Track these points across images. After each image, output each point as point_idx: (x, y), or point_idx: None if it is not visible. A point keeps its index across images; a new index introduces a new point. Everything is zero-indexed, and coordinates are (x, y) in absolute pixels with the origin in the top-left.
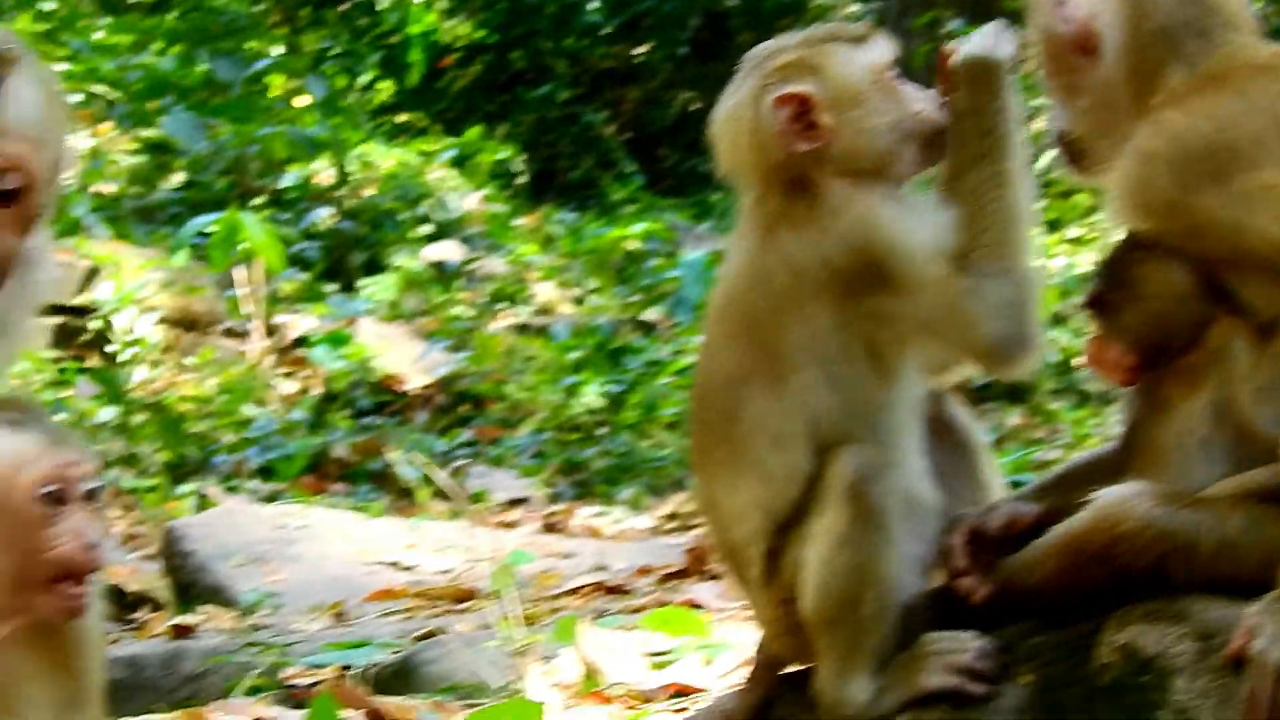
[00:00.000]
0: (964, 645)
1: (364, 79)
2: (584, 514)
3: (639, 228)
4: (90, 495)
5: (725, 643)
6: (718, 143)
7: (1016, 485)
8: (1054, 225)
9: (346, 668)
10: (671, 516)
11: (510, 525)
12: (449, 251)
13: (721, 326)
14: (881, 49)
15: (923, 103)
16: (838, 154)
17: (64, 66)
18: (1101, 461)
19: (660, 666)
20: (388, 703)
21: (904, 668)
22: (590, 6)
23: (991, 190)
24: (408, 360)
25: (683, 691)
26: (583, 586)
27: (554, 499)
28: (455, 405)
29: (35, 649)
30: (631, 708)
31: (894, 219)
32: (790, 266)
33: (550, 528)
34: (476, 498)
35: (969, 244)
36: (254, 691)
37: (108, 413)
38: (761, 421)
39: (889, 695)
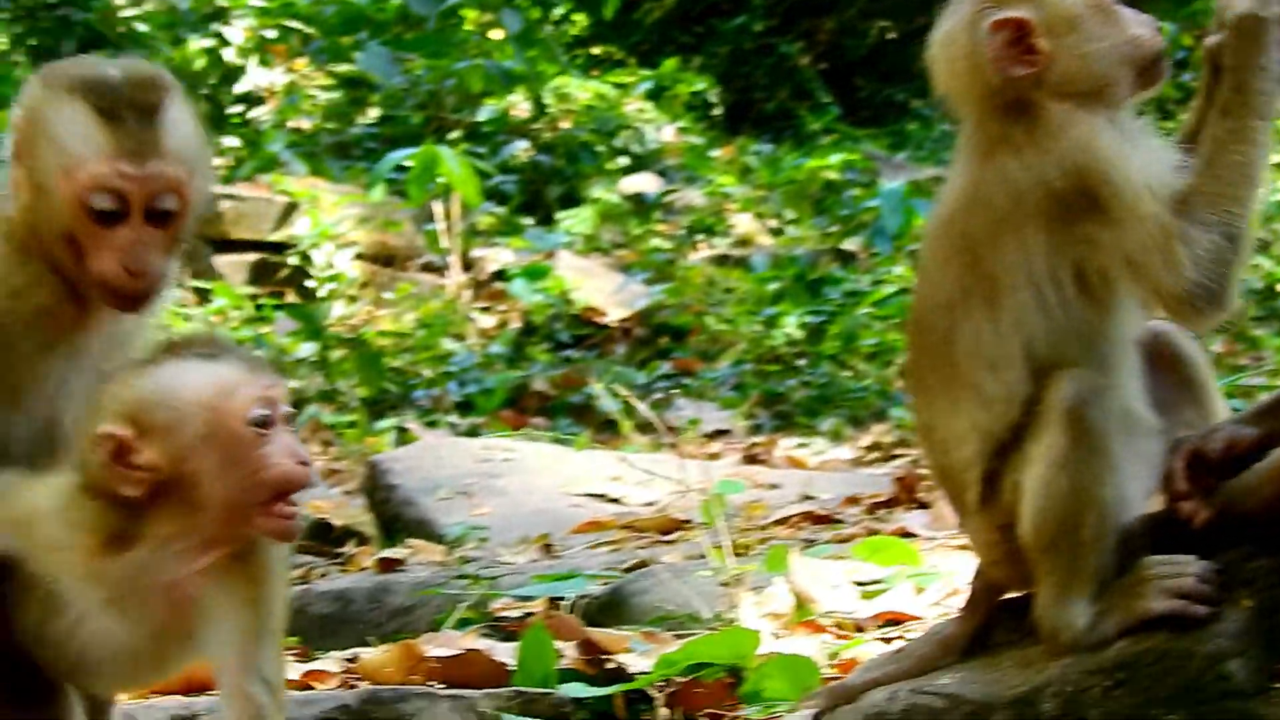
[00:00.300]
0: (1185, 568)
1: (558, 12)
2: (786, 445)
3: (836, 158)
4: (289, 418)
5: (936, 571)
6: (933, 67)
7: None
8: None
9: (556, 599)
10: (873, 447)
11: (712, 457)
12: (646, 183)
13: (938, 249)
14: None
15: (1140, 27)
16: (1055, 78)
17: (259, 2)
18: None
19: (871, 596)
20: (600, 633)
21: (1124, 592)
22: None
23: (1232, 143)
24: (606, 293)
25: (894, 620)
26: (790, 516)
27: (754, 430)
28: (654, 338)
29: (225, 580)
30: (843, 636)
31: (1114, 145)
32: (1008, 188)
33: (752, 459)
34: (686, 429)
35: (1194, 189)
36: (464, 624)
37: (307, 348)
38: (978, 344)
39: (1109, 620)
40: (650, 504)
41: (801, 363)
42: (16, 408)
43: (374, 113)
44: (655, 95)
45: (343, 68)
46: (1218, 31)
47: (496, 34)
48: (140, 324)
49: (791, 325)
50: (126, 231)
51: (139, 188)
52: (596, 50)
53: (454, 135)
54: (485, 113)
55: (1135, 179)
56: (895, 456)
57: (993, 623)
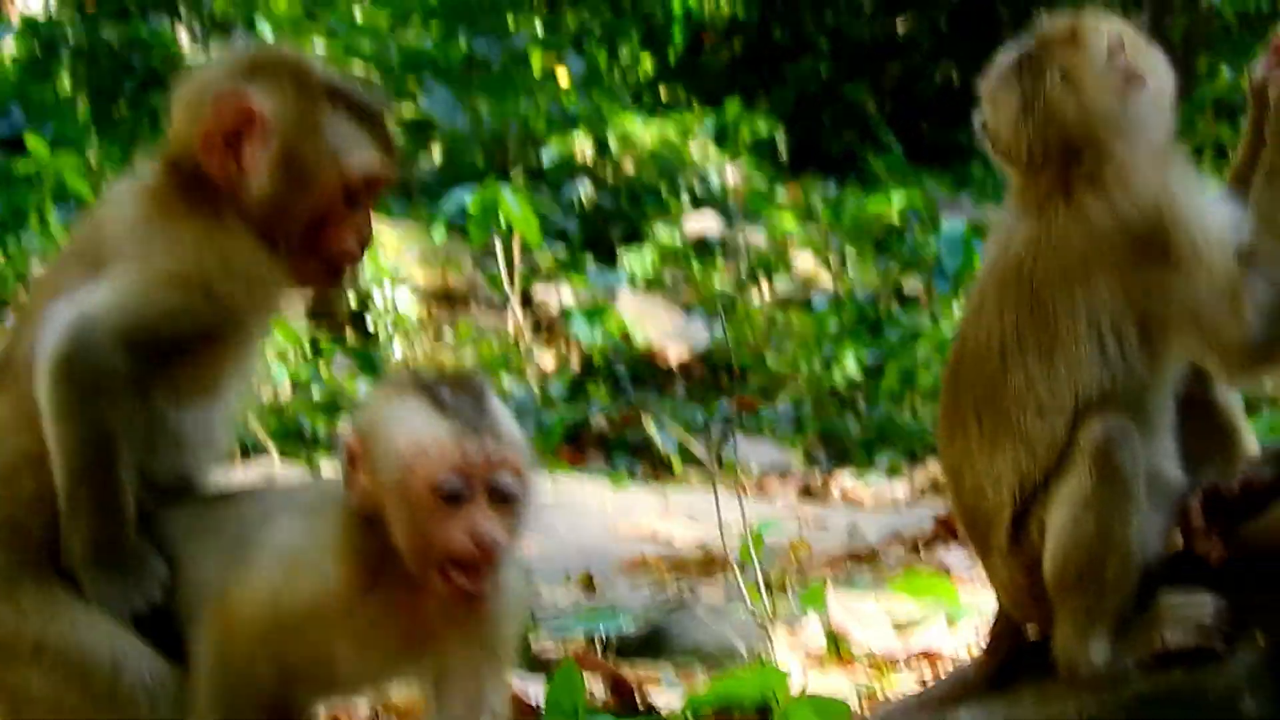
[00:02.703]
0: (1202, 604)
1: (625, 54)
2: (843, 482)
3: (898, 198)
4: (502, 494)
5: (972, 607)
6: (988, 117)
7: None
8: None
9: (594, 637)
10: (930, 484)
11: (767, 494)
12: (709, 223)
13: (996, 295)
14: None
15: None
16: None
17: (322, 46)
18: None
19: (907, 632)
20: (631, 671)
21: (1143, 627)
22: None
23: None
24: (667, 332)
25: (928, 656)
26: (834, 556)
27: (812, 466)
28: (714, 376)
29: (460, 618)
30: (877, 672)
31: (1187, 193)
32: (1081, 234)
33: (807, 492)
34: (731, 467)
35: (1259, 243)
36: None
37: (365, 387)
38: (1029, 390)
39: (1128, 655)
40: (698, 543)
41: (860, 400)
42: (217, 398)
43: (437, 154)
44: (719, 137)
45: (407, 109)
46: (1265, 66)
47: (562, 76)
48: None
49: (851, 364)
50: None
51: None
52: (663, 93)
53: (516, 175)
54: (548, 154)
55: (1207, 227)
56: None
57: (1013, 662)
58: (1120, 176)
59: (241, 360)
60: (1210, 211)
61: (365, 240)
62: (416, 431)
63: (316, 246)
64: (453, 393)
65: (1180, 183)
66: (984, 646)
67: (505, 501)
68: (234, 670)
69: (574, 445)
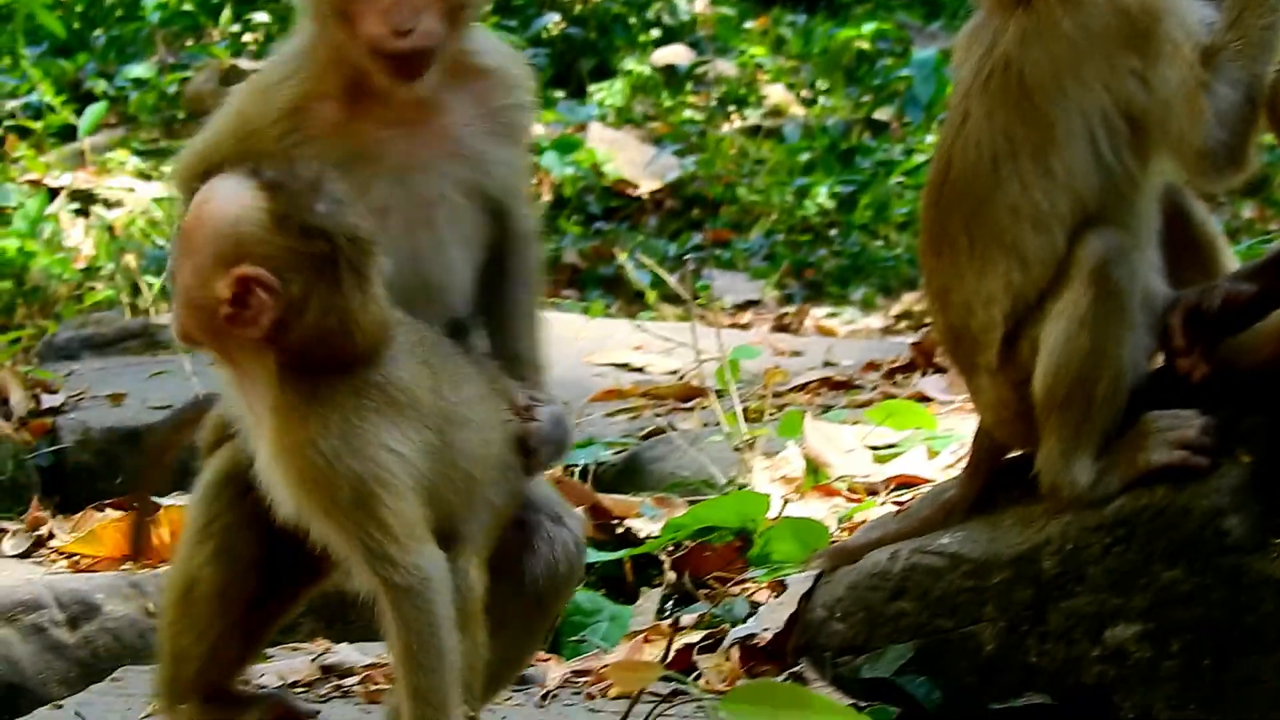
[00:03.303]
0: (1186, 421)
1: None
2: (816, 315)
3: (869, 27)
4: None
5: (950, 434)
6: None
7: None
8: None
9: (570, 467)
10: (904, 315)
11: (743, 327)
12: (678, 55)
13: (983, 100)
14: None
15: None
16: None
17: None
18: None
19: (884, 459)
20: (610, 499)
21: (1127, 447)
22: None
23: (1257, 7)
24: (638, 165)
25: (907, 483)
26: (810, 383)
27: (786, 300)
28: (686, 209)
29: None
30: (855, 500)
31: None
32: (1073, 22)
33: (782, 328)
34: (712, 299)
35: (1220, 46)
36: None
37: None
38: (1024, 200)
39: (1112, 475)
40: (673, 372)
41: (833, 233)
42: None
43: None
44: None
45: None
46: None
47: None
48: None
49: (823, 195)
50: None
51: None
52: None
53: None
54: None
55: (1181, 19)
56: (926, 324)
57: (994, 485)
58: None
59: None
60: (1187, 8)
61: (402, 23)
62: None
63: (357, 43)
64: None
65: None
66: (965, 469)
67: None
68: None
69: (547, 279)
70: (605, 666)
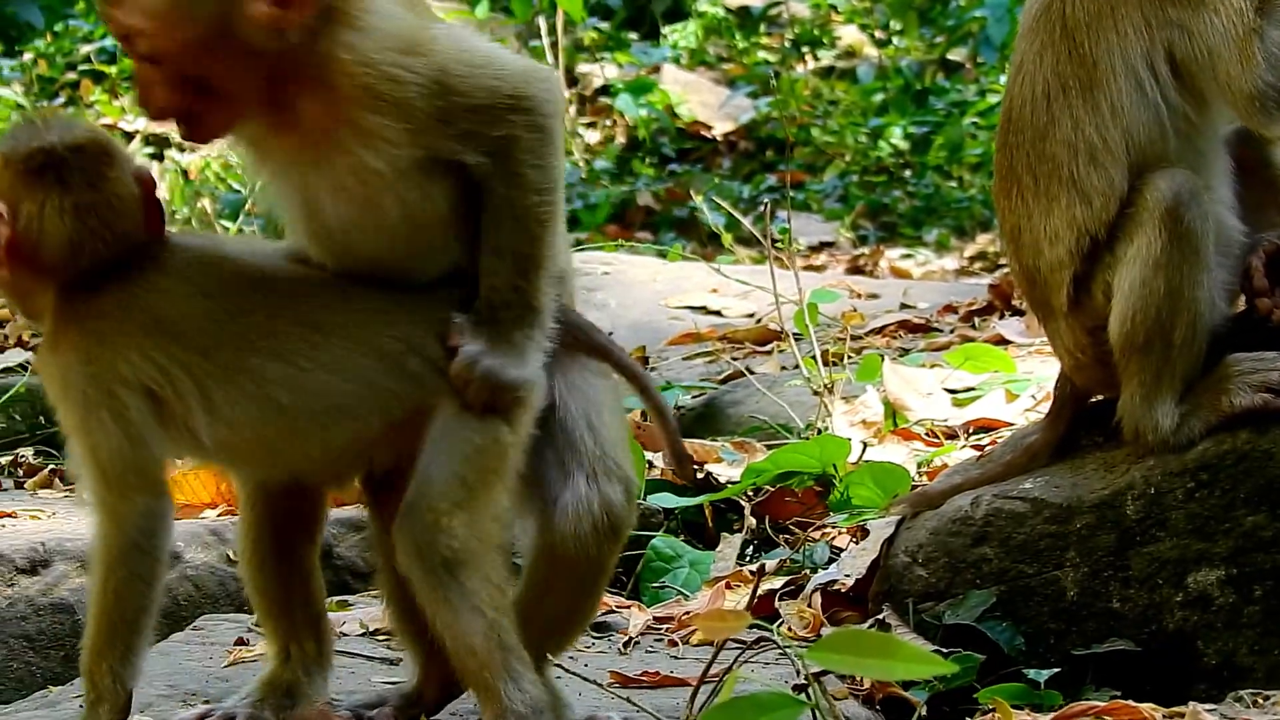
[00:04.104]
0: (1270, 364)
1: None
2: (891, 256)
3: None
4: None
5: (1029, 377)
6: None
7: None
8: None
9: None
10: (978, 256)
11: (817, 269)
12: None
13: (1034, 41)
14: None
15: None
16: None
17: None
18: None
19: (963, 403)
20: (691, 443)
21: (1209, 390)
22: None
23: None
24: (712, 107)
25: (986, 426)
26: (887, 326)
27: (860, 242)
28: (760, 151)
29: None
30: (935, 444)
31: None
32: None
33: (857, 270)
34: (787, 242)
35: None
36: None
37: None
38: (1077, 135)
39: (1195, 419)
40: (749, 315)
41: (907, 174)
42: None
43: None
44: None
45: None
46: None
47: None
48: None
49: (897, 136)
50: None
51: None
52: None
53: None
54: None
55: None
56: (1000, 266)
57: (1076, 428)
58: None
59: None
60: None
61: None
62: None
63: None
64: None
65: None
66: (1047, 414)
67: None
68: None
69: (620, 222)
70: (687, 613)
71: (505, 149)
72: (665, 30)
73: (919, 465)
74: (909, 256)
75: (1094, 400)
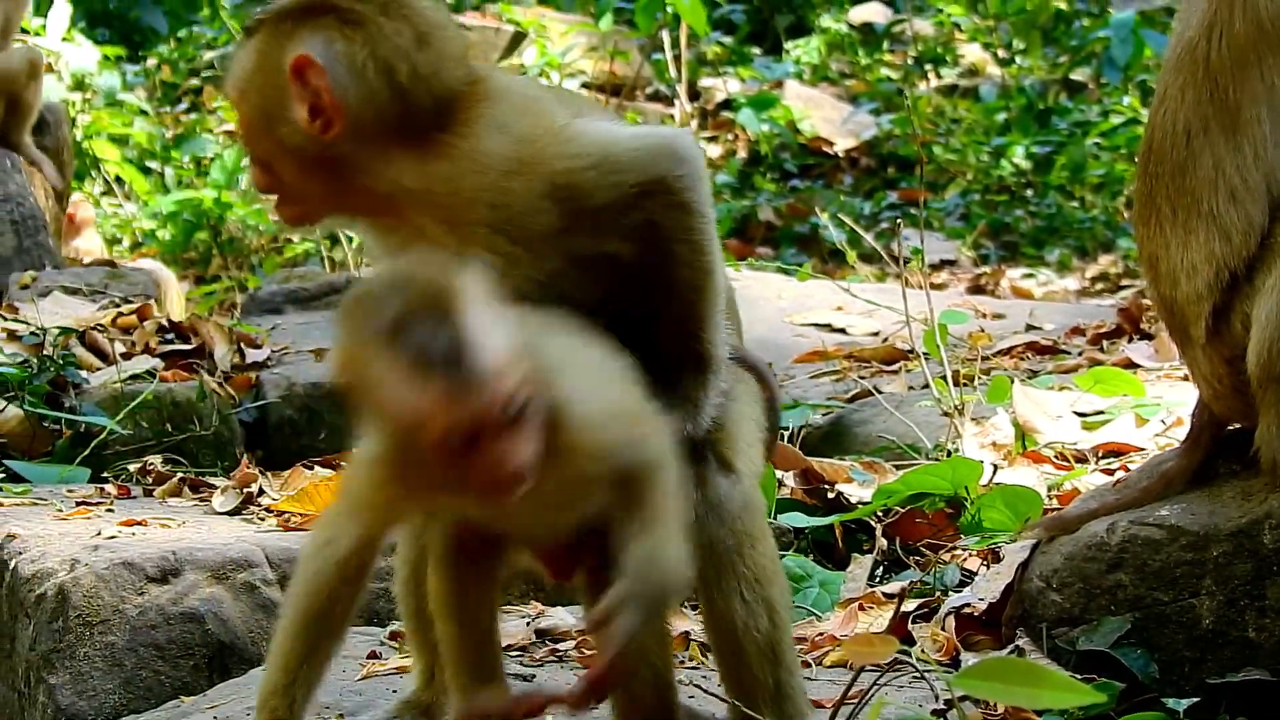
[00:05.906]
0: None
1: None
2: (1012, 275)
3: None
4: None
5: (1159, 402)
6: None
7: None
8: None
9: (778, 429)
10: (1100, 278)
11: (938, 287)
12: (875, 13)
13: (1177, 77)
14: None
15: None
16: None
17: None
18: None
19: (1093, 427)
20: (821, 463)
21: None
22: None
23: None
24: (834, 122)
25: (1116, 451)
26: (1014, 347)
27: (981, 260)
28: (881, 168)
29: None
30: (1064, 467)
31: None
32: (1248, 19)
33: (978, 289)
34: (911, 259)
35: None
36: None
37: None
38: (1218, 173)
39: None
40: (874, 334)
41: (1029, 193)
42: None
43: None
44: None
45: None
46: None
47: None
48: None
49: (1019, 155)
50: None
51: None
52: None
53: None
54: None
55: None
56: (1122, 287)
57: (1214, 456)
58: None
59: None
60: None
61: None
62: (402, 396)
63: None
64: (427, 332)
65: None
66: (1184, 440)
67: (514, 419)
68: None
69: (741, 237)
70: (821, 635)
71: (646, 233)
72: (788, 46)
73: (1049, 489)
74: (1030, 276)
75: (1231, 428)
